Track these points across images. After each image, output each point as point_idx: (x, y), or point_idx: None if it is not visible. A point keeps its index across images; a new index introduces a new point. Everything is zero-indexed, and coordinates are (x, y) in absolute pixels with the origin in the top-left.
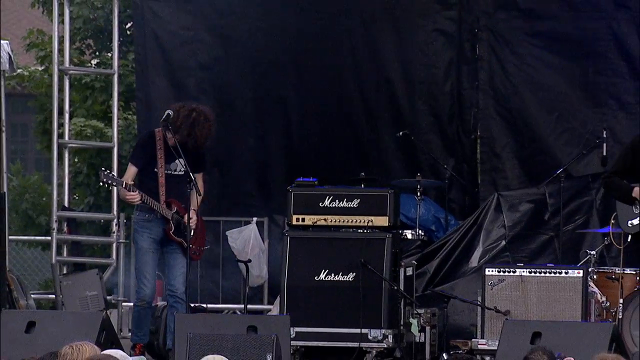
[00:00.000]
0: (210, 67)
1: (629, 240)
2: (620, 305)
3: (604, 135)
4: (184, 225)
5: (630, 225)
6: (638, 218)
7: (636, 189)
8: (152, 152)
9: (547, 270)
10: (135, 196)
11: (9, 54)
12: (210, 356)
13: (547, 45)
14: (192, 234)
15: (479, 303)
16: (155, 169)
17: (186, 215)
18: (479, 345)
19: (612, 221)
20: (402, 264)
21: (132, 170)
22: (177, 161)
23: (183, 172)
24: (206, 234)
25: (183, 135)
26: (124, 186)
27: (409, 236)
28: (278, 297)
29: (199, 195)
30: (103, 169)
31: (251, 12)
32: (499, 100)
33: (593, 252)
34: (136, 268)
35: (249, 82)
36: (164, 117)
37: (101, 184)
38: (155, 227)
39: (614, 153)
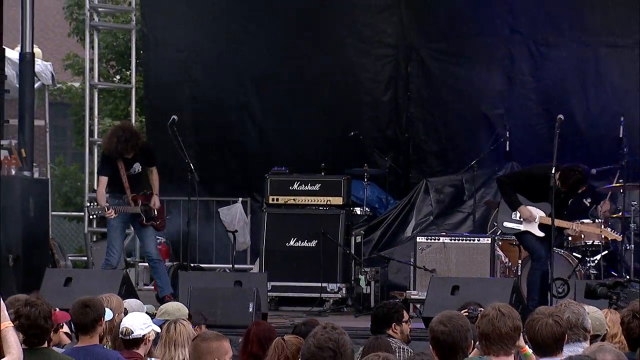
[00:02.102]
0: (200, 80)
1: None
2: (519, 265)
3: (507, 135)
4: (149, 211)
5: (504, 226)
6: (513, 224)
7: (522, 208)
8: (114, 164)
9: (464, 238)
10: (112, 214)
11: (51, 72)
12: (169, 304)
13: (459, 62)
14: (155, 213)
15: (411, 263)
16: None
17: (152, 199)
18: (411, 296)
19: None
20: (353, 233)
21: (103, 180)
22: (134, 165)
23: (140, 171)
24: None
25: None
26: (106, 210)
27: (358, 212)
28: (258, 259)
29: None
30: (88, 204)
31: (232, 38)
32: (426, 107)
33: (497, 224)
34: (108, 241)
35: (231, 95)
36: (170, 121)
37: (91, 217)
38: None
39: (514, 146)
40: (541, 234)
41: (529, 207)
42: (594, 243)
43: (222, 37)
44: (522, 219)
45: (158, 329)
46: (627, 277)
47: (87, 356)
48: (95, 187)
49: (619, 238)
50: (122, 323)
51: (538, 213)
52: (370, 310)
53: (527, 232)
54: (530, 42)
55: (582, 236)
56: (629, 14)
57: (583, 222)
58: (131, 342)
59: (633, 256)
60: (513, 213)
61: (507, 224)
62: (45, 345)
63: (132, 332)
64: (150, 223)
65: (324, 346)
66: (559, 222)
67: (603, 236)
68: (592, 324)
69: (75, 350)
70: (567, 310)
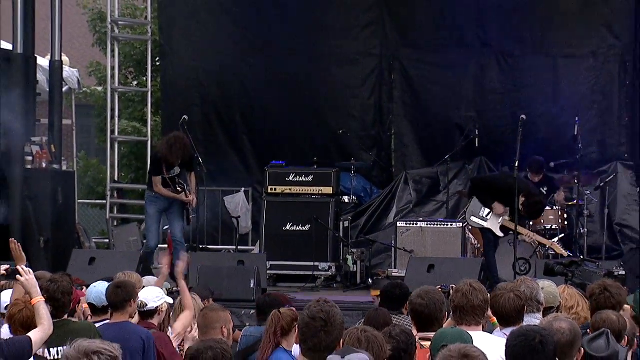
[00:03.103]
0: (208, 85)
1: None
2: None
3: (477, 133)
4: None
5: (471, 219)
6: (479, 220)
7: (497, 204)
8: (161, 166)
9: (439, 223)
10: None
11: (77, 78)
12: (149, 277)
13: (436, 71)
14: (190, 209)
15: (393, 245)
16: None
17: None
18: (393, 273)
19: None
20: (342, 219)
21: (157, 179)
22: (174, 169)
23: (177, 174)
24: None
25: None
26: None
27: (346, 200)
28: (258, 241)
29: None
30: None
31: (236, 50)
32: (407, 108)
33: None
34: (146, 228)
35: (235, 98)
36: (181, 121)
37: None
38: (159, 202)
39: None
40: (500, 235)
41: (502, 205)
42: (552, 227)
43: (227, 48)
44: (487, 217)
45: (170, 301)
46: (582, 257)
47: (119, 331)
48: (155, 188)
49: (565, 254)
50: (138, 296)
51: (506, 214)
52: (357, 285)
53: (489, 230)
54: (498, 53)
55: (542, 221)
56: (583, 29)
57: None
58: (146, 314)
59: (586, 238)
60: (482, 209)
61: (473, 219)
62: (65, 317)
63: (147, 305)
64: (186, 216)
65: (316, 317)
66: (520, 229)
67: (560, 221)
68: (546, 298)
69: (108, 326)
70: (522, 285)
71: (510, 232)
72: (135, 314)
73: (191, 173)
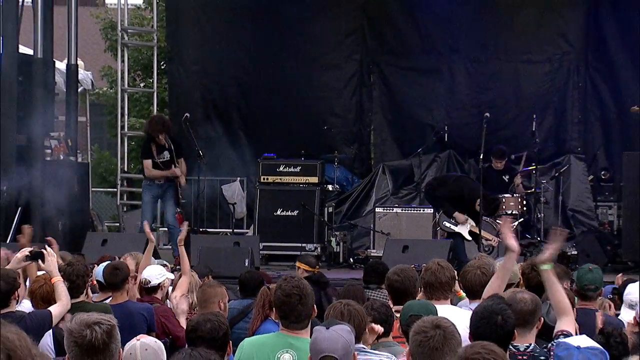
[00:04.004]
0: (209, 86)
1: None
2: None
3: (446, 129)
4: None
5: (443, 224)
6: (450, 224)
7: (457, 214)
8: (150, 149)
9: (412, 209)
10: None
11: (91, 80)
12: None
13: (411, 74)
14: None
15: (372, 229)
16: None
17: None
18: (371, 253)
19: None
20: (326, 205)
21: (147, 162)
22: (163, 153)
23: (168, 159)
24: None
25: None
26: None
27: (330, 189)
28: (252, 225)
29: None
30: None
31: (234, 55)
32: (384, 108)
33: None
34: (141, 211)
35: (232, 98)
36: (183, 118)
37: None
38: (153, 189)
39: (451, 138)
40: (469, 239)
41: (463, 214)
42: (513, 213)
43: (226, 55)
44: (457, 222)
45: (172, 276)
46: (539, 239)
47: (123, 311)
48: (146, 172)
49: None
50: (142, 274)
51: (470, 221)
52: (340, 264)
53: (458, 234)
54: (465, 59)
55: (504, 207)
56: (540, 38)
57: (504, 198)
58: (150, 289)
59: (543, 222)
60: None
61: (445, 223)
62: (81, 297)
63: (150, 282)
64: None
65: (291, 293)
66: (485, 234)
67: (519, 207)
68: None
69: (112, 307)
70: (481, 260)
71: (484, 239)
72: (131, 290)
73: (181, 159)
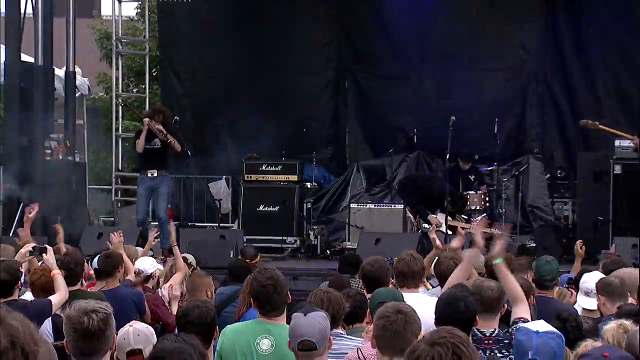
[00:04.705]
0: (198, 92)
1: None
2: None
3: (415, 132)
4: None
5: (423, 227)
6: (430, 227)
7: (431, 217)
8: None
9: (385, 204)
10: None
11: (88, 86)
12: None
13: (383, 81)
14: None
15: (347, 223)
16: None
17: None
18: (347, 246)
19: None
20: (305, 201)
21: (139, 143)
22: (154, 140)
23: (159, 147)
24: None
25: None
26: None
27: (309, 186)
28: (237, 220)
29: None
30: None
31: (220, 64)
32: (358, 112)
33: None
34: (136, 205)
35: (219, 103)
36: (173, 121)
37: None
38: (147, 182)
39: (420, 139)
40: (450, 233)
41: (436, 217)
42: (477, 208)
43: (214, 63)
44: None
45: (162, 268)
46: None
47: (114, 296)
48: (137, 148)
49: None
50: (135, 265)
51: (442, 220)
52: (318, 256)
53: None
54: (433, 67)
55: (469, 203)
56: (502, 48)
57: (468, 195)
58: (143, 279)
59: (504, 217)
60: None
61: (425, 225)
62: (79, 286)
63: (143, 272)
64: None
65: (266, 284)
66: (462, 224)
67: (483, 203)
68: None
69: (105, 293)
70: (449, 252)
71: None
72: (123, 278)
73: (174, 140)
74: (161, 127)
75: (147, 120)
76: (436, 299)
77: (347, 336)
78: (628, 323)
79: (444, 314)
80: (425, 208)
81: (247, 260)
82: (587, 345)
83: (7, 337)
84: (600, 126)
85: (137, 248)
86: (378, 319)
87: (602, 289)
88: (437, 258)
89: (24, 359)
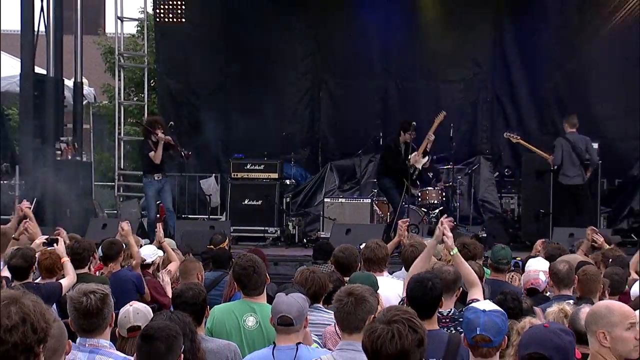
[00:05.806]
0: (192, 101)
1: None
2: (388, 215)
3: (381, 135)
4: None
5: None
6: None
7: (412, 156)
8: (149, 144)
9: (354, 199)
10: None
11: (94, 94)
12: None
13: (352, 91)
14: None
15: (321, 215)
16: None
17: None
18: (321, 235)
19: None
20: (285, 196)
21: (151, 154)
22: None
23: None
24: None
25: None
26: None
27: (288, 183)
28: (225, 212)
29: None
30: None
31: (211, 77)
32: (331, 118)
33: (375, 190)
34: (146, 205)
35: (210, 111)
36: (169, 125)
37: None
38: (155, 184)
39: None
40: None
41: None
42: (434, 202)
43: (205, 74)
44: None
45: (162, 254)
46: (455, 223)
47: (116, 278)
48: (155, 160)
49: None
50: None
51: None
52: (296, 244)
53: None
54: (396, 79)
55: (427, 198)
56: (457, 61)
57: (427, 190)
58: (144, 266)
59: (458, 210)
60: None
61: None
62: (85, 269)
63: (145, 260)
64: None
65: (246, 266)
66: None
67: (439, 198)
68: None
69: (106, 277)
70: (412, 239)
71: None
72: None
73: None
74: (169, 138)
75: (164, 136)
76: (398, 280)
77: (324, 309)
78: (568, 307)
79: (413, 290)
80: (395, 188)
81: (213, 246)
82: (526, 321)
83: (19, 314)
84: (521, 141)
85: (145, 240)
86: (334, 302)
87: (554, 275)
88: (400, 245)
89: (32, 333)
